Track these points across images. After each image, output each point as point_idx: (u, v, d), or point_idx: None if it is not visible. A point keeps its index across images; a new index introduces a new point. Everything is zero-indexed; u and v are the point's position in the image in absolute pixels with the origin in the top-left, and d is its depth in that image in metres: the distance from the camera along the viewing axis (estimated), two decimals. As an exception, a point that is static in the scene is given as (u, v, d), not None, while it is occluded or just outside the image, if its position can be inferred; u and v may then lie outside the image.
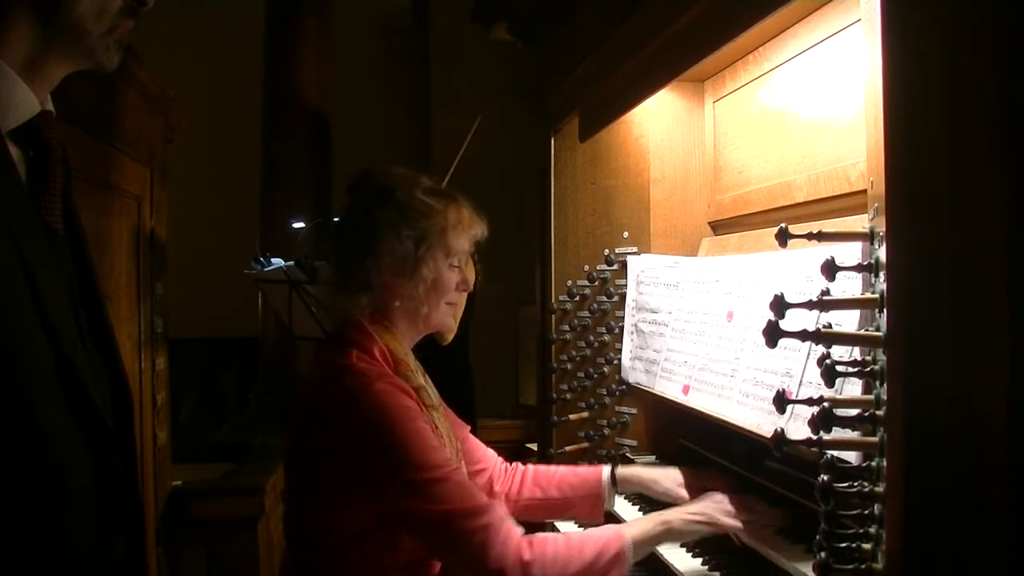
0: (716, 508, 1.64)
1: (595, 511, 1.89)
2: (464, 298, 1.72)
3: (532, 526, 2.17)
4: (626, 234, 2.35)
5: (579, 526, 2.03)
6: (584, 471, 1.92)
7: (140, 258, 2.90)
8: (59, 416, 1.05)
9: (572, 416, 2.40)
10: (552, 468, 1.95)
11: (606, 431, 2.33)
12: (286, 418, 1.81)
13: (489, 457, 1.92)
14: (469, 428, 1.91)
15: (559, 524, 2.20)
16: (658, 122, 2.31)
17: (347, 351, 1.51)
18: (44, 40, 1.11)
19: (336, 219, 1.65)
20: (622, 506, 2.05)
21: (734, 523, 1.61)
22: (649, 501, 2.01)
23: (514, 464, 1.94)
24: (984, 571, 0.90)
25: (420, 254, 1.56)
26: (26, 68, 1.10)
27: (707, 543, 1.78)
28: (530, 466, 1.94)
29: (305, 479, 1.55)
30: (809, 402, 1.09)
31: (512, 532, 1.45)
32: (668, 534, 1.60)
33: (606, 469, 1.90)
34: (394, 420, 1.43)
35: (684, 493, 1.84)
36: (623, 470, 1.92)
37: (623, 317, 2.30)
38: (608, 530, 1.56)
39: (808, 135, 1.75)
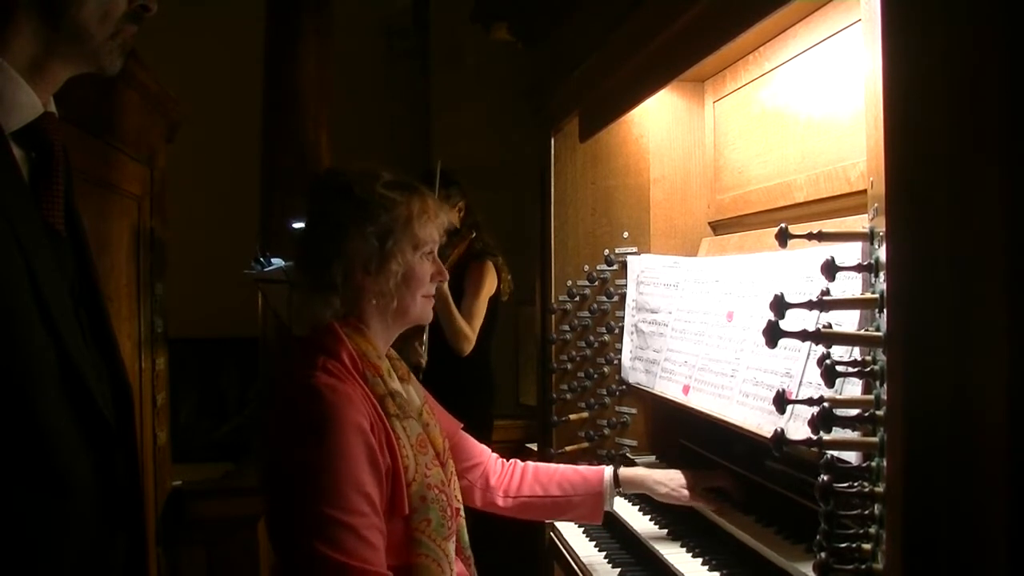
0: None
1: (595, 512, 1.88)
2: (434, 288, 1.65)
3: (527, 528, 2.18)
4: (626, 234, 2.36)
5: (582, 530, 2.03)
6: (586, 470, 1.90)
7: (140, 258, 2.91)
8: (61, 415, 1.05)
9: (572, 416, 2.40)
10: (553, 466, 1.94)
11: (606, 431, 2.33)
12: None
13: (483, 452, 1.90)
14: (462, 425, 1.88)
15: (559, 525, 2.20)
16: (658, 122, 2.31)
17: (314, 357, 1.45)
18: (48, 43, 1.12)
19: (298, 223, 1.58)
20: (624, 507, 2.05)
21: None
22: (651, 501, 2.00)
23: (512, 460, 1.92)
24: (984, 571, 0.90)
25: (387, 249, 1.51)
26: (30, 70, 1.11)
27: (709, 543, 1.78)
28: (530, 463, 1.92)
29: (263, 482, 1.51)
30: (809, 402, 1.09)
31: None
32: None
33: (608, 469, 1.89)
34: (331, 449, 1.35)
35: (687, 495, 1.85)
36: (626, 471, 1.91)
37: (623, 317, 2.30)
38: None
39: (808, 135, 1.75)
